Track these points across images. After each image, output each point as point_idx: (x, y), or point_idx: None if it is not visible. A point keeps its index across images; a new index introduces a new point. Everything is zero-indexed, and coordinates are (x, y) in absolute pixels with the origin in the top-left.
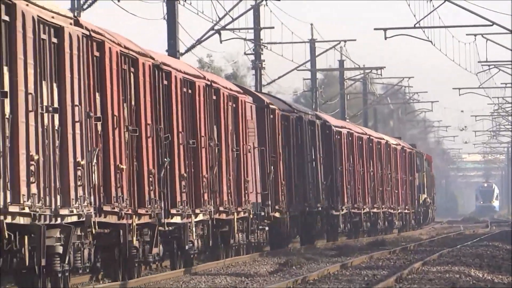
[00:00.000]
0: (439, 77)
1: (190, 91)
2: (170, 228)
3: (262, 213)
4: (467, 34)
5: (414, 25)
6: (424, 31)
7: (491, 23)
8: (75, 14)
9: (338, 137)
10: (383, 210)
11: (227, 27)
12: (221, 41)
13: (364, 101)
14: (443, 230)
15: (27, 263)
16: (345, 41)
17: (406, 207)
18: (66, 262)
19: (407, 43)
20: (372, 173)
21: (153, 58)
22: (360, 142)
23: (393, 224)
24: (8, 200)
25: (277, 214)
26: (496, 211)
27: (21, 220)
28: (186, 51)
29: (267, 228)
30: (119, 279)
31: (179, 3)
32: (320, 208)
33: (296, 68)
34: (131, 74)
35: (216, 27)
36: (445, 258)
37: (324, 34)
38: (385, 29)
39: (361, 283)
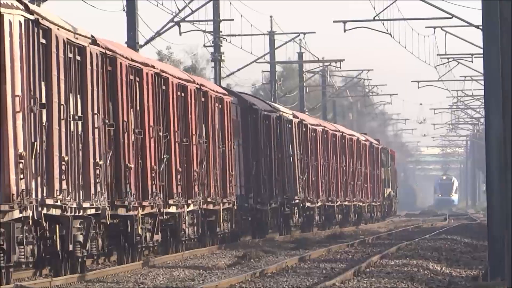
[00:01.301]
0: (398, 70)
1: (183, 94)
2: (167, 217)
3: (246, 205)
4: (426, 27)
5: (374, 17)
6: (383, 24)
7: (451, 16)
8: (36, 5)
9: (314, 134)
10: (353, 203)
11: (186, 19)
12: (180, 33)
13: (323, 93)
14: (401, 223)
15: (58, 248)
16: (304, 33)
17: (374, 200)
18: (86, 248)
19: (367, 36)
20: (344, 168)
21: (154, 67)
22: (334, 139)
23: (361, 216)
24: (44, 194)
25: (258, 206)
26: (455, 205)
27: (53, 211)
28: (146, 43)
29: (250, 218)
30: (124, 263)
31: None
32: (297, 201)
33: (255, 61)
34: (137, 83)
35: (176, 19)
36: (403, 252)
37: (284, 26)
38: (344, 22)
39: (320, 276)
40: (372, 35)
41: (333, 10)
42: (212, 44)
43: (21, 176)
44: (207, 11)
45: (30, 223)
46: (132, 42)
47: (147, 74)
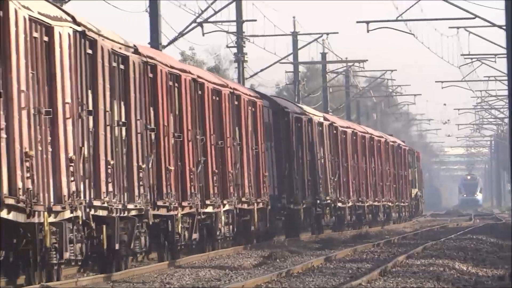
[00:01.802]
0: (422, 70)
1: (217, 98)
2: (204, 216)
3: (279, 205)
4: (449, 27)
5: (397, 18)
6: (406, 24)
7: (474, 16)
8: (60, 6)
9: (344, 136)
10: (382, 203)
11: (209, 20)
12: (203, 34)
13: (347, 94)
14: (426, 223)
15: (105, 247)
16: (327, 34)
17: (402, 200)
18: (131, 247)
19: (390, 36)
20: (373, 169)
21: (191, 73)
22: (363, 141)
23: (390, 216)
24: (92, 196)
25: (291, 206)
26: (479, 205)
27: (100, 212)
28: (168, 44)
29: (283, 218)
30: (165, 260)
31: None
32: (329, 201)
33: (278, 61)
34: (176, 89)
35: (199, 20)
36: (429, 251)
37: (307, 27)
38: (367, 22)
39: (346, 276)
40: (395, 36)
41: (356, 10)
42: (235, 45)
43: (72, 178)
44: (230, 11)
45: (80, 223)
46: (155, 43)
47: (185, 80)
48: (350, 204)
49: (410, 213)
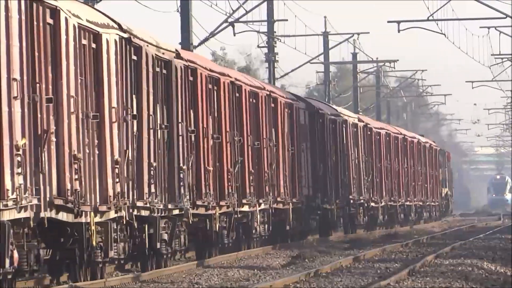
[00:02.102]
0: (452, 70)
1: (254, 101)
2: (240, 215)
3: (313, 204)
4: (480, 27)
5: (428, 17)
6: (437, 24)
7: (505, 16)
8: (92, 6)
9: (378, 137)
10: (414, 203)
11: (240, 20)
12: (234, 34)
13: (377, 94)
14: (455, 223)
15: (147, 246)
16: (358, 34)
17: (433, 200)
18: (171, 246)
19: (421, 36)
20: (406, 169)
21: (229, 76)
22: (396, 142)
23: (421, 215)
24: (135, 196)
25: (325, 206)
26: (508, 204)
27: (143, 213)
28: (200, 44)
29: (317, 218)
30: (204, 258)
31: None
32: (362, 201)
33: (309, 61)
34: (215, 92)
35: (230, 20)
36: (458, 251)
37: (338, 27)
38: (398, 22)
39: (374, 276)
40: (426, 35)
41: (387, 10)
42: (266, 45)
43: (117, 180)
44: (261, 11)
45: (124, 223)
46: (186, 43)
47: (223, 83)
48: (383, 204)
49: (441, 212)
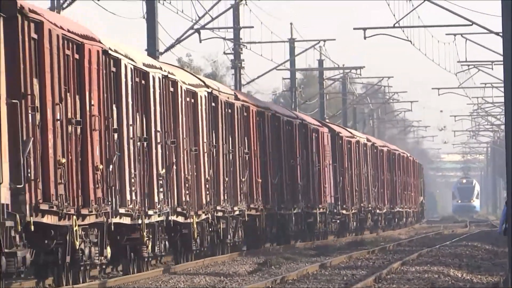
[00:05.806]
0: (419, 77)
1: (290, 127)
2: (279, 217)
3: (335, 210)
4: (446, 34)
5: (394, 24)
6: (403, 31)
7: (471, 23)
8: (55, 12)
9: (381, 154)
10: (405, 209)
11: (206, 27)
12: (200, 41)
13: (344, 101)
14: (422, 230)
15: (221, 238)
16: (324, 40)
17: (415, 207)
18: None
19: (387, 43)
20: (399, 181)
21: (270, 109)
22: (393, 157)
23: (407, 220)
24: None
25: (344, 211)
26: (476, 211)
27: (220, 214)
28: (166, 50)
29: (338, 221)
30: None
31: (159, 2)
32: (369, 208)
33: (275, 68)
34: (261, 122)
35: (196, 26)
36: (424, 258)
37: (304, 33)
38: (364, 29)
39: (340, 283)
40: (393, 42)
41: (353, 17)
42: (232, 51)
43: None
44: (227, 18)
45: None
46: (152, 49)
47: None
48: (385, 210)
49: (417, 218)
